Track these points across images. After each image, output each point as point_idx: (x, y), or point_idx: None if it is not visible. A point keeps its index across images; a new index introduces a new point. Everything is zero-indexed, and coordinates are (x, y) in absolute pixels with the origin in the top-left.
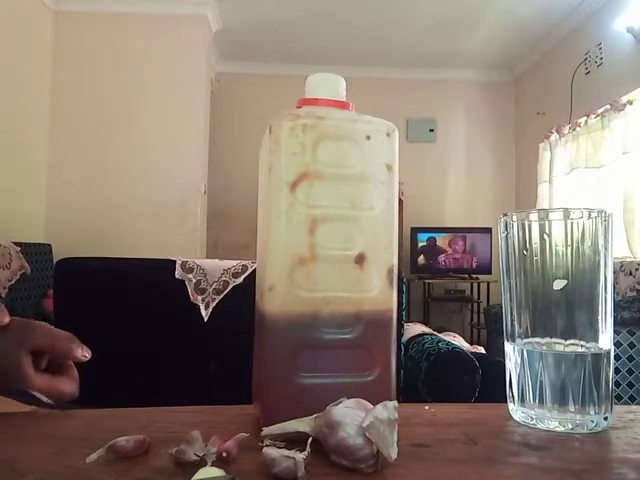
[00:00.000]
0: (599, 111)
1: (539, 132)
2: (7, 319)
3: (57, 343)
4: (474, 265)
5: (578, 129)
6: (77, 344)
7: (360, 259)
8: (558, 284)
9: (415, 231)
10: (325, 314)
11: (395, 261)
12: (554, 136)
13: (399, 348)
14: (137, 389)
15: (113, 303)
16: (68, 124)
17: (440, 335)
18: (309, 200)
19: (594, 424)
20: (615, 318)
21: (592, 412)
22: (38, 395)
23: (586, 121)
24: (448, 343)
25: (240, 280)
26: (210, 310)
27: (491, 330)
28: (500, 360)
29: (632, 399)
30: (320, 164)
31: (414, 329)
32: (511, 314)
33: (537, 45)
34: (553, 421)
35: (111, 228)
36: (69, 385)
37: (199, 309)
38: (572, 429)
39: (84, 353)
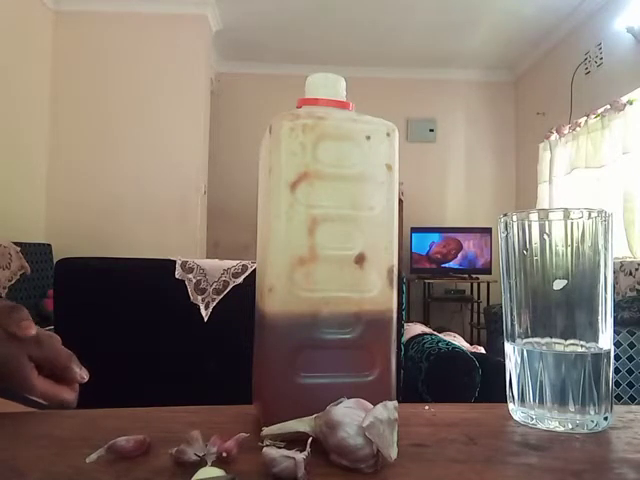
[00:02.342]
0: (599, 111)
1: (539, 132)
2: (34, 331)
3: (58, 357)
4: (474, 265)
5: (578, 129)
6: (77, 363)
7: (360, 259)
8: (558, 284)
9: (415, 231)
10: (325, 314)
11: (395, 261)
12: (554, 136)
13: (399, 348)
14: (137, 389)
15: (113, 303)
16: (68, 124)
17: (440, 335)
18: (309, 200)
19: (594, 424)
20: (615, 318)
21: (592, 412)
22: (38, 399)
23: (586, 121)
24: (448, 343)
25: (240, 280)
26: (210, 310)
27: (491, 330)
28: (500, 360)
29: (632, 399)
30: (320, 164)
31: (414, 329)
32: (511, 314)
33: (537, 45)
34: (553, 421)
35: (111, 228)
36: (69, 394)
37: (199, 309)
38: (572, 429)
39: (82, 374)
